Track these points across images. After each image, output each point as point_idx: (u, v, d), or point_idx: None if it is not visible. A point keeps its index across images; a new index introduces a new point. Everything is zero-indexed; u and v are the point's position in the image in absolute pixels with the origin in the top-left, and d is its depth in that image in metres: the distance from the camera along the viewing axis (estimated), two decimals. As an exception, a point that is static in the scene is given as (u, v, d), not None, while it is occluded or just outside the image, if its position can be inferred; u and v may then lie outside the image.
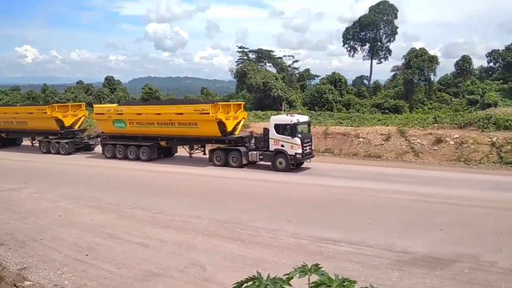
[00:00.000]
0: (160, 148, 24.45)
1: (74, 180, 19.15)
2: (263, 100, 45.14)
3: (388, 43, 64.02)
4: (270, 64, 63.97)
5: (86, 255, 9.72)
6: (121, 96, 55.31)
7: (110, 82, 59.76)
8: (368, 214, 12.73)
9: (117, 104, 28.23)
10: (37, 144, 29.51)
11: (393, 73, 63.62)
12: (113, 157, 24.72)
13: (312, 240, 10.32)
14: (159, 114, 23.18)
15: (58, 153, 27.37)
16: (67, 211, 13.57)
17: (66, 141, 27.51)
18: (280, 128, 20.17)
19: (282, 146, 20.02)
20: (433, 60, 48.62)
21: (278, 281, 2.61)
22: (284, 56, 67.13)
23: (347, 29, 64.01)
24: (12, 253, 9.99)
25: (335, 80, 48.23)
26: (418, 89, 49.38)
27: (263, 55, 64.58)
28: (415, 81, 49.30)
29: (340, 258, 9.14)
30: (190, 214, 12.88)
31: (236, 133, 22.82)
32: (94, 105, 28.72)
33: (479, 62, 60.07)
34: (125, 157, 24.38)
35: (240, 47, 66.46)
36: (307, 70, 62.90)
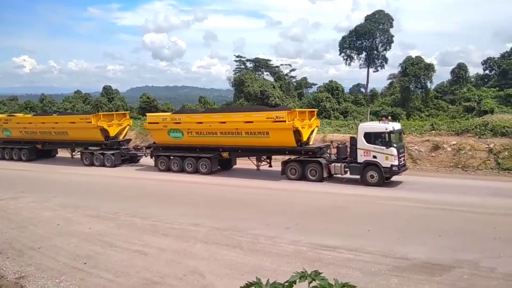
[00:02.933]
0: (220, 160, 22.53)
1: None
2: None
3: (384, 52, 64.42)
4: (268, 72, 64.12)
5: (85, 263, 9.67)
6: (119, 105, 55.30)
7: (108, 92, 59.79)
8: (367, 221, 12.74)
9: (171, 113, 26.27)
10: (78, 156, 27.69)
11: (389, 81, 63.88)
12: (167, 169, 22.79)
13: (311, 247, 10.31)
14: (223, 122, 21.11)
15: (103, 165, 25.38)
16: (65, 219, 13.53)
17: (112, 152, 25.53)
18: (372, 137, 17.99)
19: (374, 157, 17.82)
20: (430, 68, 48.87)
21: (278, 286, 2.61)
22: (282, 65, 67.28)
23: (343, 38, 64.40)
24: (10, 262, 9.93)
25: (332, 88, 48.43)
26: (415, 97, 49.57)
27: (260, 64, 64.76)
28: (412, 88, 49.51)
29: (340, 264, 9.12)
30: (189, 222, 12.85)
31: (311, 142, 20.83)
32: (147, 114, 27.22)
33: (475, 69, 60.97)
34: (182, 170, 22.36)
35: (238, 56, 66.61)
36: (304, 78, 63.13)
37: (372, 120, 21.15)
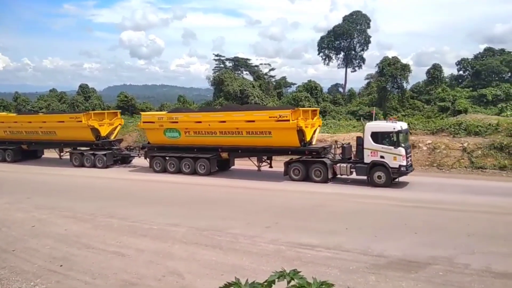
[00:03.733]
0: (218, 161, 21.72)
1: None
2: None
3: (362, 52, 65.42)
4: (247, 72, 64.21)
5: (61, 265, 9.48)
6: (95, 104, 54.47)
7: (84, 90, 58.79)
8: (345, 219, 12.89)
9: (166, 112, 25.51)
10: (66, 157, 26.60)
11: (367, 81, 64.87)
12: (163, 171, 21.99)
13: (291, 246, 10.36)
14: (223, 122, 20.40)
15: (93, 166, 24.37)
16: (41, 221, 13.22)
17: (103, 153, 24.44)
18: (379, 137, 17.58)
19: (382, 157, 17.40)
20: (406, 68, 49.87)
21: (257, 286, 2.62)
22: (261, 64, 67.57)
23: (321, 38, 65.04)
24: (-18, 266, 9.64)
25: (311, 88, 48.90)
26: (391, 97, 50.46)
27: (240, 63, 64.77)
28: (389, 88, 50.45)
29: (318, 263, 9.20)
30: (168, 222, 12.74)
31: (314, 142, 20.34)
32: (142, 113, 25.74)
33: (449, 70, 62.48)
34: (178, 171, 21.60)
35: (217, 55, 66.50)
36: (284, 78, 63.47)
37: (389, 118, 20.14)
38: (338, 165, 18.60)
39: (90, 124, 24.42)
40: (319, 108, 23.69)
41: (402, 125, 18.08)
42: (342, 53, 64.81)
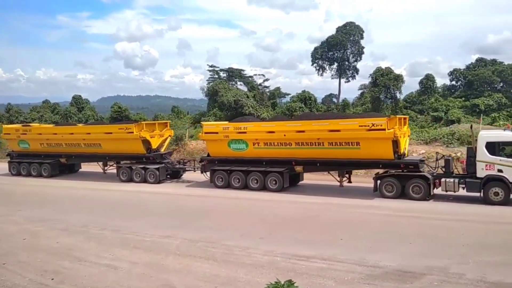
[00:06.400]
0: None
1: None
2: (235, 118, 45.35)
3: (355, 63, 65.87)
4: (241, 82, 64.43)
5: (52, 279, 9.33)
6: (89, 115, 54.38)
7: (77, 101, 58.69)
8: (339, 229, 12.86)
9: (228, 122, 23.82)
10: (112, 171, 25.02)
11: (360, 91, 65.27)
12: (226, 186, 20.20)
13: (285, 257, 10.29)
14: (302, 131, 18.50)
15: (144, 181, 22.60)
16: (32, 233, 13.06)
17: (156, 166, 22.66)
18: (497, 148, 15.64)
19: (500, 171, 15.44)
20: (399, 78, 50.35)
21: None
22: (255, 75, 67.80)
23: (315, 49, 65.49)
24: (-28, 280, 9.48)
25: (305, 98, 49.12)
26: (385, 107, 50.82)
27: (234, 74, 65.02)
28: (382, 98, 50.87)
29: (313, 274, 9.14)
30: (161, 234, 12.63)
31: (407, 154, 18.57)
32: (203, 123, 23.80)
33: (442, 80, 62.94)
34: (245, 187, 19.83)
35: (211, 66, 66.69)
36: (278, 88, 63.74)
37: (506, 126, 18.21)
38: (444, 180, 16.55)
39: (142, 135, 22.75)
40: (408, 116, 21.18)
41: None
42: (336, 64, 65.25)
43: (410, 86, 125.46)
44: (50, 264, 10.33)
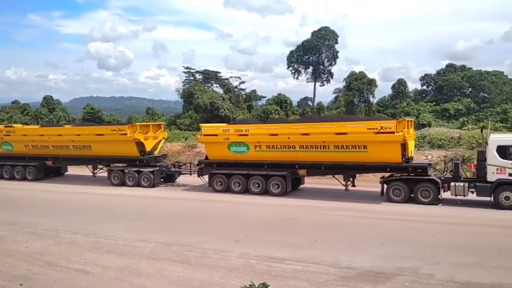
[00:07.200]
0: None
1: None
2: (211, 120, 45.14)
3: (330, 67, 66.69)
4: (217, 85, 64.28)
5: (21, 284, 9.05)
6: (60, 116, 53.04)
7: (48, 102, 57.19)
8: (314, 231, 12.96)
9: (227, 124, 23.49)
10: (101, 175, 24.23)
11: (335, 95, 66.10)
12: (226, 190, 19.74)
13: (260, 259, 10.30)
14: (306, 134, 18.16)
15: (137, 185, 21.86)
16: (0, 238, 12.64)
17: (150, 170, 21.97)
18: (508, 152, 15.48)
19: (511, 175, 15.38)
20: (372, 83, 51.26)
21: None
22: (231, 77, 67.87)
23: (291, 52, 66.00)
24: None
25: (281, 101, 49.34)
26: (358, 110, 51.60)
27: (210, 76, 64.81)
28: (356, 102, 51.68)
29: (288, 276, 9.18)
30: (135, 237, 12.44)
31: (413, 157, 18.12)
32: (201, 125, 22.70)
33: (413, 85, 64.45)
34: (245, 191, 19.35)
35: (187, 68, 66.33)
36: (254, 91, 63.90)
37: None
38: (453, 184, 16.31)
39: (136, 137, 21.95)
40: (412, 120, 20.89)
41: None
42: (311, 68, 65.91)
43: (383, 90, 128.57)
44: (18, 269, 10.02)
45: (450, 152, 23.36)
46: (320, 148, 17.97)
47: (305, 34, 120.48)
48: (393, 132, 16.41)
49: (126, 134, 21.93)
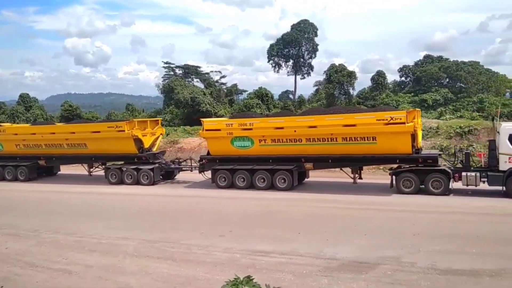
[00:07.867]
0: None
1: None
2: (192, 115, 44.90)
3: (310, 60, 67.01)
4: (198, 79, 63.86)
5: (1, 286, 8.89)
6: (37, 114, 52.00)
7: (25, 100, 55.97)
8: (297, 224, 13.08)
9: (228, 117, 22.18)
10: (98, 173, 23.45)
11: (316, 87, 66.60)
12: (230, 186, 19.26)
13: (245, 253, 10.35)
14: (313, 127, 17.80)
15: (137, 183, 21.31)
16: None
17: (150, 167, 21.39)
18: None
19: None
20: (352, 75, 51.77)
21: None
22: (212, 71, 67.44)
23: (271, 46, 66.01)
24: None
25: (262, 95, 49.41)
26: (339, 103, 52.04)
27: (190, 71, 64.29)
28: (336, 95, 52.15)
29: (272, 269, 9.25)
30: (118, 235, 12.34)
31: (423, 148, 18.11)
32: (203, 120, 21.48)
33: (392, 76, 65.29)
34: (250, 186, 18.93)
35: (166, 63, 65.60)
36: (235, 85, 63.72)
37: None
38: (465, 174, 16.05)
39: (134, 134, 21.28)
40: (420, 110, 20.32)
41: None
42: (291, 61, 66.08)
43: (363, 82, 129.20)
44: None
45: (428, 142, 23.79)
46: (328, 141, 17.69)
47: (285, 28, 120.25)
48: (403, 123, 16.19)
49: (123, 130, 21.33)
